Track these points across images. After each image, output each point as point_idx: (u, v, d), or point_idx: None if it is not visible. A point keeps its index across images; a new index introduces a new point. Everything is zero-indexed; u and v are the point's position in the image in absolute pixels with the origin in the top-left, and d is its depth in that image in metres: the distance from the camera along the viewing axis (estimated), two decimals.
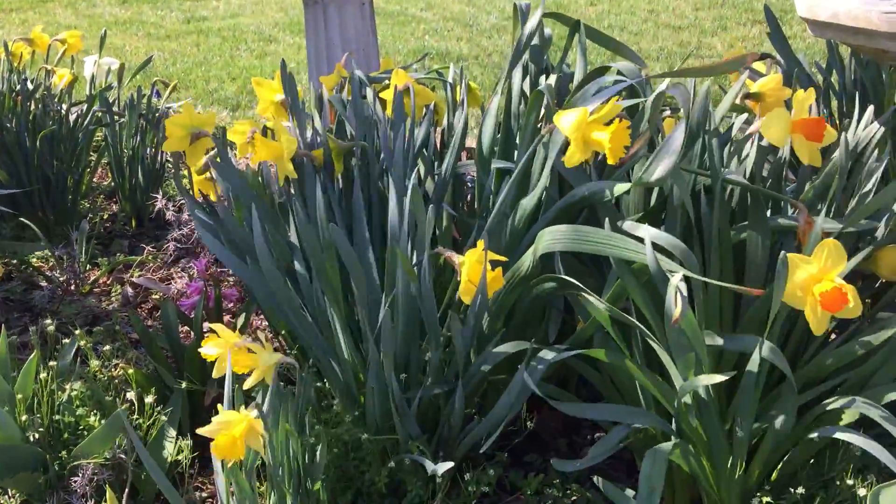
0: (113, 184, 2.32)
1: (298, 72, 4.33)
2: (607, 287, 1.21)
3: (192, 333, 1.52)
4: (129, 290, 1.90)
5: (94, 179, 2.48)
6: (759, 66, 1.79)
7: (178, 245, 1.98)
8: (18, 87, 2.17)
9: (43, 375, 1.23)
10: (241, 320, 1.52)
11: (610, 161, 0.99)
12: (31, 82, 2.18)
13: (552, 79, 1.53)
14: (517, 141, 1.48)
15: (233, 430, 1.01)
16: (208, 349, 1.16)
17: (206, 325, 1.52)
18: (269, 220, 1.34)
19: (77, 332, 1.38)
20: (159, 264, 2.04)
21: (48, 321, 1.42)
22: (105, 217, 2.29)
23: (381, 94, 1.53)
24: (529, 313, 1.30)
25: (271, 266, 1.27)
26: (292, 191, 1.35)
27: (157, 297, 1.91)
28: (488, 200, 1.35)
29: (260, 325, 1.80)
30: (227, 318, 1.63)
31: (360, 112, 1.41)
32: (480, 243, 1.08)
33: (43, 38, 2.28)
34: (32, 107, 2.10)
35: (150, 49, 4.74)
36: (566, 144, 1.10)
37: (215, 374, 1.17)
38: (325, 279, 1.26)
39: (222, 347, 1.15)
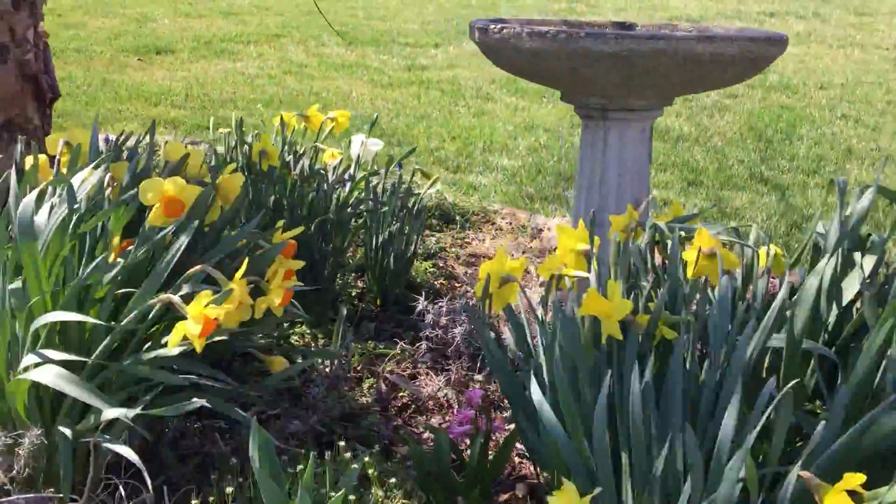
0: (362, 261, 2.41)
1: (515, 136, 4.39)
2: None
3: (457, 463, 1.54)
4: (383, 385, 1.96)
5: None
6: None
7: (431, 345, 2.03)
8: (290, 159, 2.30)
9: None
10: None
11: None
12: (302, 156, 2.30)
13: (868, 260, 1.46)
14: (823, 324, 1.42)
15: None
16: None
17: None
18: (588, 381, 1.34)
19: (367, 458, 1.43)
20: (407, 356, 2.09)
21: (341, 443, 1.48)
22: (353, 294, 2.38)
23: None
24: None
25: (584, 441, 1.27)
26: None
27: (404, 393, 1.96)
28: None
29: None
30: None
31: (673, 277, 1.39)
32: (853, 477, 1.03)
33: (318, 117, 2.41)
34: (307, 188, 2.21)
35: (374, 96, 4.93)
36: None
37: None
38: (637, 466, 1.25)
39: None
